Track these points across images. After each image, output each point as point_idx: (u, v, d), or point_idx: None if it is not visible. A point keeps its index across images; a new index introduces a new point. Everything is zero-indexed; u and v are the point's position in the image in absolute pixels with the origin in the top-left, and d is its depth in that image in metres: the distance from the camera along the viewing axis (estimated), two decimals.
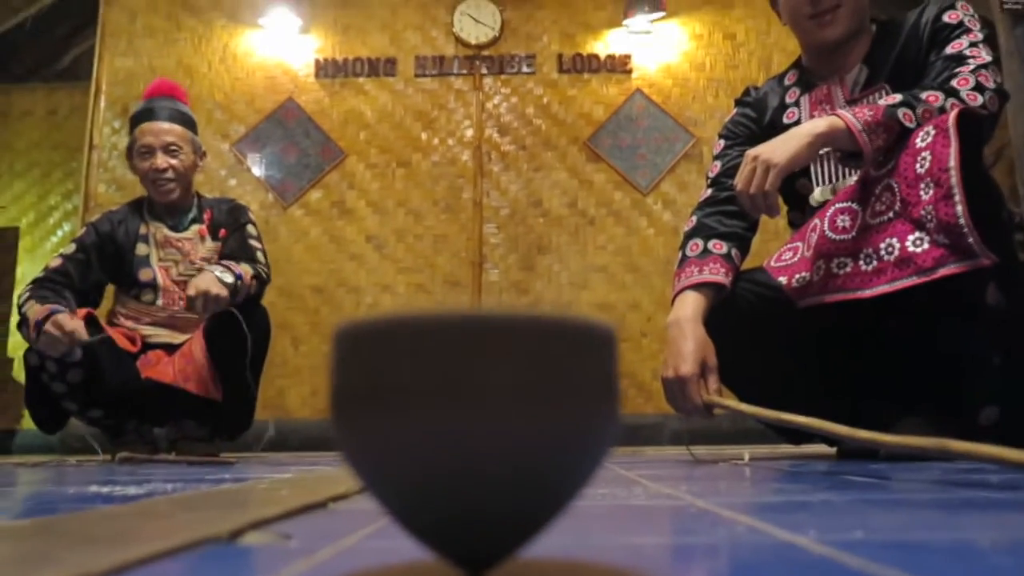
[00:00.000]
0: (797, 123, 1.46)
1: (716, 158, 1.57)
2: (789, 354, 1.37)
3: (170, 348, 2.07)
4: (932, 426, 1.13)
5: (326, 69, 3.99)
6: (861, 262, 1.21)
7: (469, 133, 3.95)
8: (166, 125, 2.13)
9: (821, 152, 1.33)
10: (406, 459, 0.27)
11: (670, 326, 1.37)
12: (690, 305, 1.37)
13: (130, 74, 3.99)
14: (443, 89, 4.00)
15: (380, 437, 0.27)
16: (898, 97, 1.23)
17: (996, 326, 1.20)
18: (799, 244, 1.35)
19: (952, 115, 1.12)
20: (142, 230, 2.15)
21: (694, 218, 1.50)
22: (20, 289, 2.04)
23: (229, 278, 1.91)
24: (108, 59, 4.01)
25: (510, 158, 3.94)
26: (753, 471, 1.11)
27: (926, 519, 0.51)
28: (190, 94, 3.67)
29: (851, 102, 1.41)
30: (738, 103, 1.61)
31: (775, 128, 1.48)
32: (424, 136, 3.95)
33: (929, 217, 1.12)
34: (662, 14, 3.94)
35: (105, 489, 0.91)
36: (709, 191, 1.52)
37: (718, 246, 1.42)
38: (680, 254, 1.47)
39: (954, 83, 1.23)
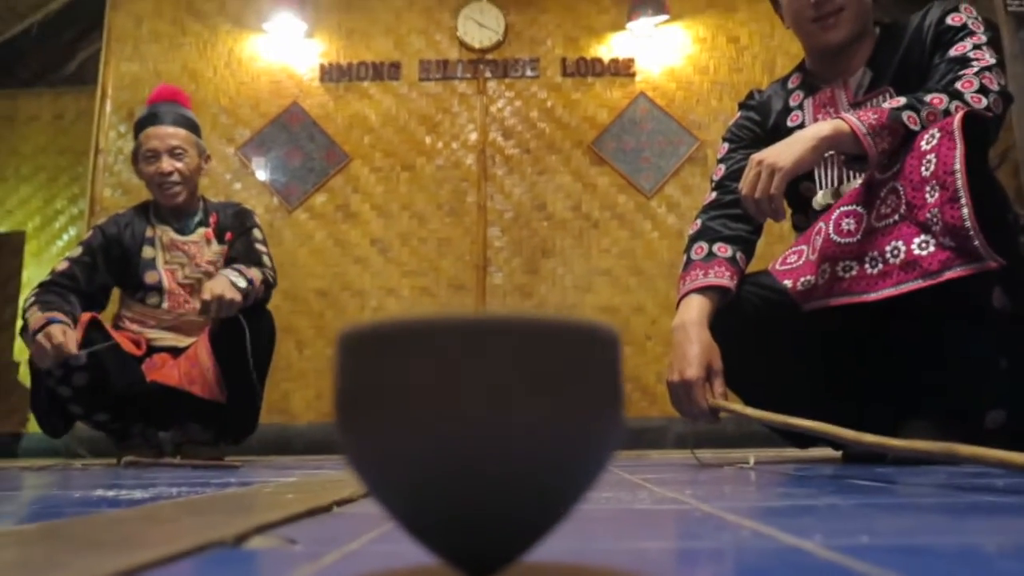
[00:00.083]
0: (801, 126, 1.46)
1: (720, 161, 1.56)
2: (794, 357, 1.37)
3: (175, 351, 2.08)
4: (938, 430, 1.13)
5: (330, 73, 4.00)
6: (866, 265, 1.21)
7: (473, 137, 3.96)
8: (170, 129, 2.14)
9: (825, 155, 1.32)
10: (410, 463, 0.27)
11: (675, 330, 1.37)
12: (695, 309, 1.37)
13: (136, 79, 4.00)
14: (447, 93, 4.01)
15: (384, 441, 0.27)
16: (902, 100, 1.22)
17: (1002, 329, 1.20)
18: (804, 247, 1.35)
19: (957, 118, 1.12)
20: (148, 233, 2.16)
21: (698, 221, 1.50)
22: (26, 293, 2.05)
23: (243, 283, 1.92)
24: (114, 64, 4.03)
25: (514, 161, 3.94)
26: (758, 475, 1.11)
27: (932, 523, 0.51)
28: (195, 98, 3.69)
29: (855, 105, 1.41)
30: (742, 106, 1.61)
31: (779, 131, 1.48)
32: (428, 140, 3.96)
33: (935, 220, 1.11)
34: (666, 17, 3.94)
35: (111, 493, 0.91)
36: (713, 194, 1.52)
37: (723, 249, 1.42)
38: (685, 257, 1.47)
39: (958, 86, 1.23)
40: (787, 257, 1.37)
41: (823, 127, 1.23)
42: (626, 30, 3.99)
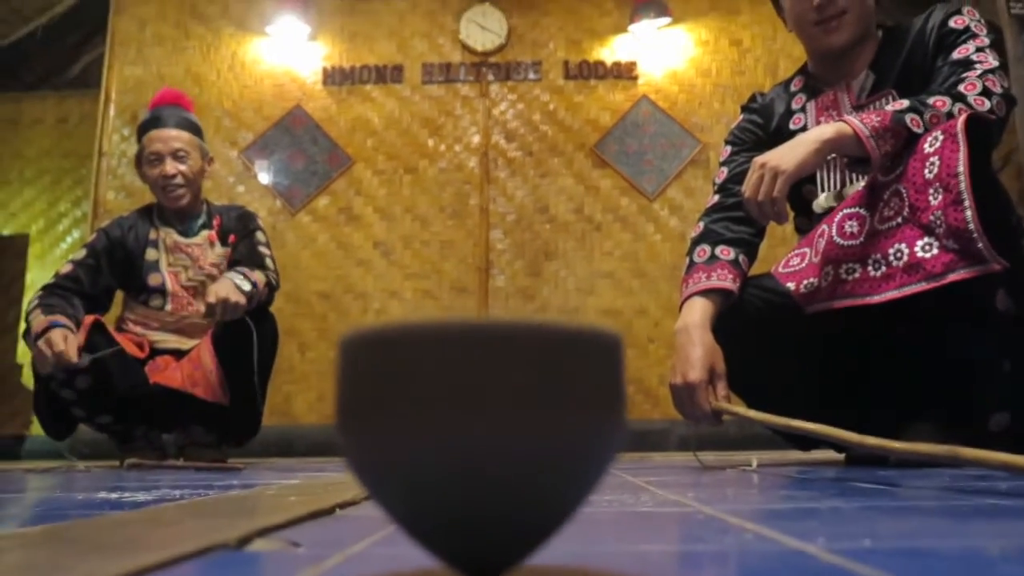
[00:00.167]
0: (803, 129, 1.45)
1: (723, 164, 1.56)
2: (797, 360, 1.37)
3: (178, 354, 2.08)
4: (942, 432, 1.13)
5: (333, 76, 4.01)
6: (870, 268, 1.21)
7: (476, 139, 3.96)
8: (174, 132, 2.15)
9: (828, 158, 1.32)
10: (411, 467, 0.27)
11: (678, 332, 1.37)
12: (698, 311, 1.37)
13: (139, 82, 4.01)
14: (450, 96, 4.01)
15: (385, 445, 0.27)
16: (905, 103, 1.22)
17: (1006, 331, 1.20)
18: (807, 250, 1.35)
19: (961, 120, 1.12)
20: (152, 235, 2.17)
21: (701, 224, 1.50)
22: (29, 296, 2.05)
23: (247, 286, 1.92)
24: (118, 67, 4.04)
25: (516, 164, 3.94)
26: (761, 478, 1.11)
27: (935, 526, 0.51)
28: (198, 102, 3.71)
29: (858, 108, 1.41)
30: (744, 109, 1.61)
31: (781, 134, 1.48)
32: (431, 143, 3.96)
33: (938, 222, 1.11)
34: (668, 20, 3.94)
35: (114, 495, 0.92)
36: (716, 197, 1.52)
37: (725, 252, 1.42)
38: (687, 260, 1.46)
39: (961, 88, 1.23)
40: (790, 260, 1.37)
41: (826, 130, 1.23)
42: (628, 33, 4.00)
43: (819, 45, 1.44)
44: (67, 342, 1.81)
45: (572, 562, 0.36)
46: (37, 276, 4.40)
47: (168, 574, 0.36)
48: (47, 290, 2.02)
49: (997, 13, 3.05)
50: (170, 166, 2.12)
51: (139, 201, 3.03)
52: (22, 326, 2.07)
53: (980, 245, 1.07)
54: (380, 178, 3.93)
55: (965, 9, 1.37)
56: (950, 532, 0.48)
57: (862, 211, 1.25)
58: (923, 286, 1.13)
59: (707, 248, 1.44)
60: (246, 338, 1.95)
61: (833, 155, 1.31)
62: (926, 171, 1.14)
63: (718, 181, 1.55)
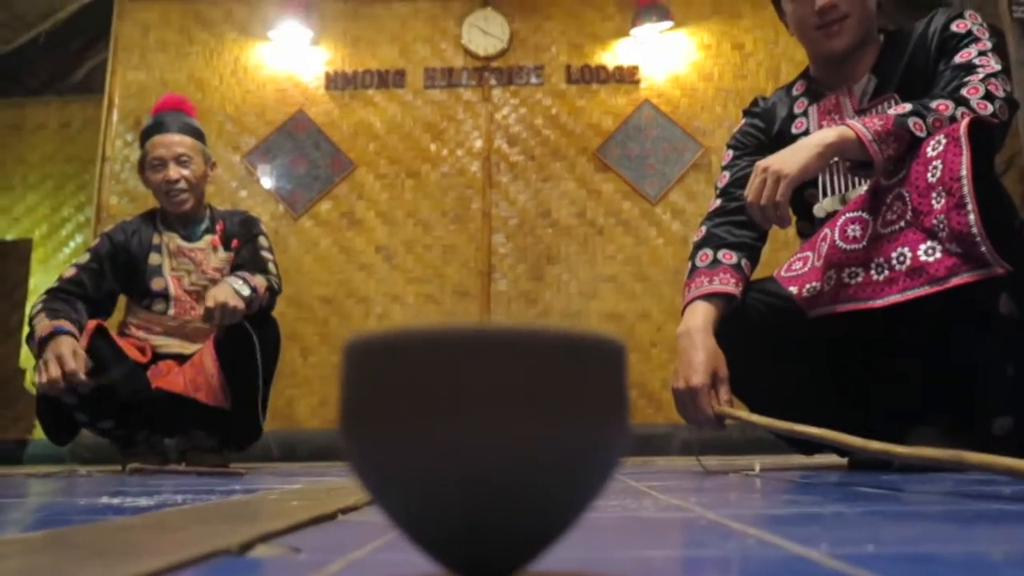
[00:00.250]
0: (805, 133, 1.45)
1: (725, 168, 1.56)
2: (800, 364, 1.37)
3: (181, 358, 2.08)
4: (945, 437, 1.12)
5: (336, 81, 4.02)
6: (872, 271, 1.21)
7: (478, 144, 3.97)
8: (176, 137, 2.15)
9: (831, 162, 1.32)
10: (414, 472, 0.27)
11: (680, 337, 1.37)
12: (700, 315, 1.36)
13: (142, 87, 4.02)
14: (452, 100, 4.02)
15: (388, 450, 0.27)
16: (908, 106, 1.22)
17: (1009, 335, 1.19)
18: (809, 254, 1.34)
19: (963, 124, 1.12)
20: (155, 240, 2.17)
21: (703, 228, 1.50)
22: (32, 300, 2.05)
23: (246, 291, 1.92)
24: (121, 72, 4.05)
25: (519, 168, 3.94)
26: (764, 482, 1.11)
27: (938, 531, 0.51)
28: (201, 107, 3.71)
29: (860, 112, 1.41)
30: (746, 113, 1.61)
31: (783, 138, 1.48)
32: (433, 147, 3.97)
33: (941, 226, 1.11)
34: (670, 24, 3.94)
35: (116, 500, 0.92)
36: (718, 201, 1.52)
37: (728, 256, 1.42)
38: (690, 264, 1.46)
39: (964, 92, 1.23)
40: (792, 264, 1.37)
41: (828, 133, 1.23)
42: (630, 37, 4.00)
43: (821, 49, 1.44)
44: (76, 358, 1.80)
45: (575, 567, 0.36)
46: (40, 281, 4.41)
47: None
48: (51, 294, 2.02)
49: (999, 17, 3.05)
50: (173, 171, 2.12)
51: (142, 206, 3.04)
52: (25, 330, 2.07)
53: (983, 249, 1.07)
54: (382, 182, 3.94)
55: (967, 13, 1.37)
56: (954, 537, 0.47)
57: (865, 215, 1.25)
58: (926, 290, 1.13)
59: (709, 252, 1.44)
60: (247, 343, 1.95)
61: (836, 159, 1.30)
62: (929, 175, 1.13)
63: (720, 185, 1.54)
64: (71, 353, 1.80)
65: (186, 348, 2.11)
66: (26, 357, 4.30)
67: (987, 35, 1.33)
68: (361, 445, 0.28)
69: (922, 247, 1.14)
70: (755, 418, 1.24)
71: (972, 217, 1.07)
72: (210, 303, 1.86)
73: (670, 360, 3.44)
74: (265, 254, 2.17)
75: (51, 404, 1.94)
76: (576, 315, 3.76)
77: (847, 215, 1.28)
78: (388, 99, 4.02)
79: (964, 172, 1.08)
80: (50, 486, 1.37)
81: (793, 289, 1.32)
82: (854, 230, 1.25)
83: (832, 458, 1.69)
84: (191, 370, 2.00)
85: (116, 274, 2.13)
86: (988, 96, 1.22)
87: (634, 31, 3.96)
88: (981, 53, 1.29)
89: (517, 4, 4.08)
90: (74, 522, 0.66)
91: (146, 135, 2.19)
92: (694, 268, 1.44)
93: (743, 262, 1.43)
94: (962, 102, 1.21)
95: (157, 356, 2.09)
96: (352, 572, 0.37)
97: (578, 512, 0.29)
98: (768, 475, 1.29)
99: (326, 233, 3.88)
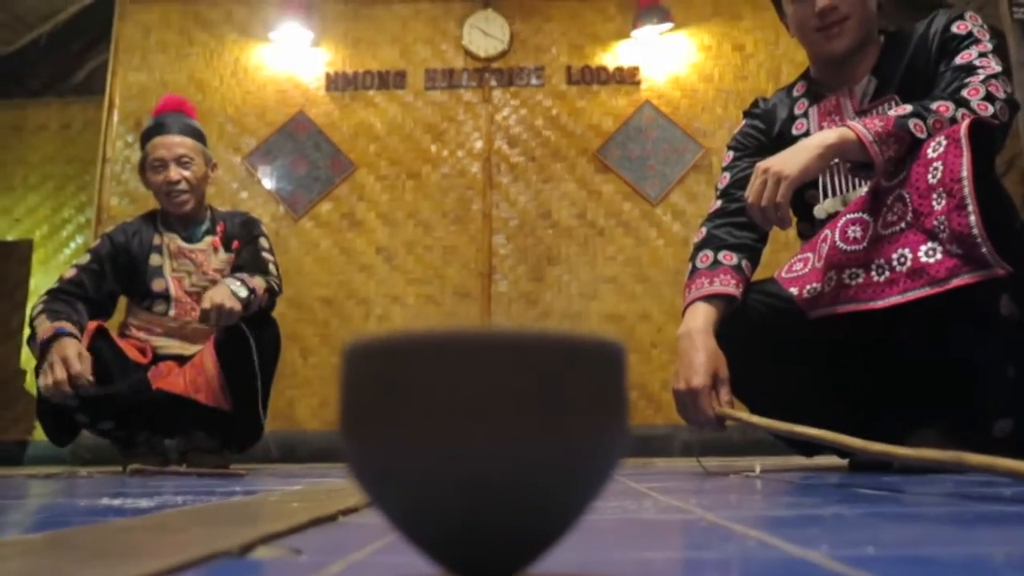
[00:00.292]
0: (806, 134, 1.45)
1: (725, 169, 1.56)
2: (800, 366, 1.37)
3: (181, 359, 2.08)
4: (946, 438, 1.12)
5: (336, 82, 4.02)
6: (873, 273, 1.21)
7: (478, 145, 3.97)
8: (177, 138, 2.16)
9: (831, 163, 1.32)
10: (414, 474, 0.27)
11: (681, 338, 1.37)
12: (701, 317, 1.36)
13: (143, 88, 4.03)
14: (452, 101, 4.02)
15: (388, 452, 0.27)
16: (908, 108, 1.22)
17: (1010, 336, 1.19)
18: (810, 255, 1.34)
19: (964, 125, 1.12)
20: (156, 241, 2.17)
21: (704, 229, 1.50)
22: (33, 301, 2.05)
23: (244, 292, 1.92)
24: (121, 74, 4.05)
25: (519, 169, 3.95)
26: (764, 484, 1.11)
27: (939, 533, 0.51)
28: (202, 108, 3.71)
29: (860, 113, 1.41)
30: (747, 115, 1.61)
31: (784, 139, 1.48)
32: (434, 148, 3.97)
33: (942, 227, 1.11)
34: (670, 25, 3.94)
35: (116, 502, 0.92)
36: (719, 203, 1.52)
37: (728, 257, 1.42)
38: (690, 266, 1.46)
39: (964, 93, 1.23)
40: (793, 265, 1.37)
41: (829, 135, 1.23)
42: (631, 38, 4.00)
43: (821, 51, 1.44)
44: (81, 360, 1.80)
45: (575, 569, 0.36)
46: (41, 282, 4.41)
47: None
48: (51, 295, 2.02)
49: (1000, 18, 3.05)
50: (174, 172, 2.12)
51: (143, 207, 3.04)
52: (26, 332, 2.07)
53: (984, 250, 1.07)
54: (383, 183, 3.94)
55: (967, 14, 1.37)
56: (954, 539, 0.47)
57: (865, 216, 1.25)
58: (927, 291, 1.13)
59: (710, 253, 1.44)
60: (244, 345, 1.95)
61: (836, 160, 1.30)
62: (929, 176, 1.13)
63: (721, 186, 1.55)
64: (76, 355, 1.80)
65: (187, 349, 2.11)
66: (27, 358, 4.30)
67: (987, 36, 1.33)
68: (361, 447, 0.28)
69: (923, 248, 1.14)
70: (755, 419, 1.24)
71: (973, 218, 1.07)
72: (206, 304, 1.86)
73: (670, 361, 3.44)
74: (266, 255, 2.17)
75: (52, 405, 1.94)
76: (576, 316, 3.76)
77: (847, 216, 1.28)
78: (389, 100, 4.02)
79: (965, 173, 1.08)
80: (50, 487, 1.37)
81: (794, 290, 1.32)
82: (855, 231, 1.25)
83: (832, 459, 1.69)
84: (191, 371, 2.00)
85: (117, 275, 2.13)
86: (989, 97, 1.22)
87: (635, 32, 3.96)
88: (982, 54, 1.29)
89: (518, 5, 4.08)
90: (74, 523, 0.66)
91: (147, 136, 2.19)
92: (694, 269, 1.44)
93: (744, 263, 1.43)
94: (963, 103, 1.21)
95: (157, 357, 2.09)
96: (352, 574, 0.37)
97: (578, 513, 0.29)
98: (768, 476, 1.29)
99: (326, 234, 3.88)
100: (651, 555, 0.45)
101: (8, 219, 4.66)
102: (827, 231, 1.31)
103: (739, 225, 1.46)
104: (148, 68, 4.06)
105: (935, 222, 1.12)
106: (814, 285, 1.29)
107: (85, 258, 2.13)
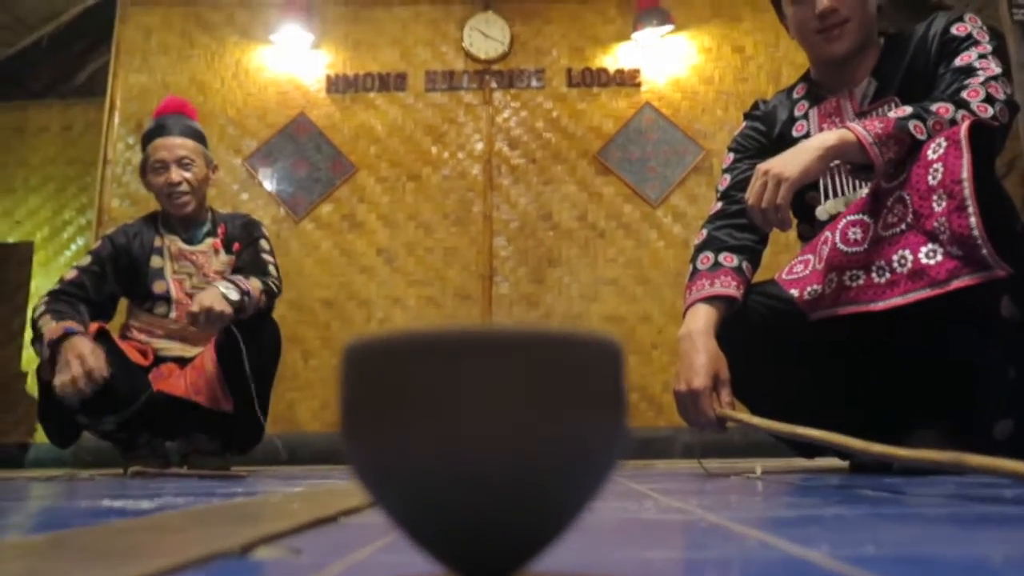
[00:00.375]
0: (806, 136, 1.46)
1: (726, 171, 1.56)
2: (801, 367, 1.37)
3: (182, 361, 2.08)
4: (946, 440, 1.12)
5: (337, 84, 4.03)
6: (874, 274, 1.21)
7: (479, 147, 3.97)
8: (178, 140, 2.16)
9: (831, 165, 1.32)
10: (414, 473, 0.27)
11: (682, 339, 1.37)
12: (702, 318, 1.37)
13: (144, 90, 4.03)
14: (453, 103, 4.02)
15: (389, 451, 0.27)
16: (908, 109, 1.22)
17: (1011, 338, 1.19)
18: (810, 257, 1.35)
19: (964, 126, 1.12)
20: (157, 243, 2.17)
21: (704, 231, 1.50)
22: (34, 303, 2.05)
23: (234, 295, 1.91)
24: (123, 76, 4.06)
25: (520, 171, 3.95)
26: (765, 485, 1.11)
27: (939, 534, 0.51)
28: (203, 110, 3.71)
29: (860, 115, 1.41)
30: (747, 116, 1.61)
31: (784, 141, 1.48)
32: (434, 150, 3.97)
33: (942, 229, 1.11)
34: (671, 28, 3.95)
35: (118, 503, 0.92)
36: (719, 204, 1.52)
37: (729, 259, 1.42)
38: (691, 267, 1.46)
39: (964, 95, 1.23)
40: (793, 267, 1.37)
41: (829, 136, 1.23)
42: (631, 40, 4.00)
43: (821, 53, 1.44)
44: (96, 357, 1.81)
45: (576, 569, 0.36)
46: (41, 284, 4.41)
47: None
48: (53, 296, 2.02)
49: (1000, 20, 3.06)
50: (175, 174, 2.13)
51: (144, 209, 3.04)
52: (26, 334, 2.07)
53: (984, 251, 1.07)
54: (383, 185, 3.94)
55: (967, 16, 1.37)
56: (955, 540, 0.47)
57: (866, 218, 1.25)
58: (927, 293, 1.13)
59: (710, 255, 1.44)
60: (236, 348, 1.95)
61: (836, 162, 1.31)
62: (930, 178, 1.13)
63: (721, 188, 1.55)
64: (90, 352, 1.81)
65: (188, 351, 2.11)
66: (27, 361, 4.30)
67: (987, 38, 1.33)
68: (361, 446, 0.28)
69: (923, 250, 1.14)
70: (756, 421, 1.24)
71: (973, 220, 1.07)
72: (194, 308, 1.86)
73: (671, 363, 3.44)
74: (266, 256, 2.17)
75: (53, 407, 1.94)
76: (577, 318, 3.76)
77: (848, 218, 1.28)
78: (389, 102, 4.02)
79: (965, 175, 1.08)
80: (51, 489, 1.37)
81: (794, 292, 1.32)
82: (855, 233, 1.25)
83: (833, 461, 1.69)
84: (192, 373, 2.00)
85: (117, 277, 2.13)
86: (988, 99, 1.22)
87: (635, 34, 3.96)
88: (981, 56, 1.29)
89: (518, 7, 4.09)
90: (76, 525, 0.66)
91: (148, 138, 2.19)
92: (695, 271, 1.44)
93: (744, 265, 1.43)
94: (962, 105, 1.21)
95: (159, 359, 2.09)
96: (353, 574, 0.38)
97: (577, 511, 0.29)
98: (769, 478, 1.28)
99: (327, 236, 3.89)
100: (651, 555, 0.45)
101: (9, 221, 4.66)
102: (827, 233, 1.31)
103: (740, 227, 1.46)
104: (149, 70, 4.07)
105: (935, 224, 1.12)
106: (815, 287, 1.29)
107: (86, 260, 2.13)
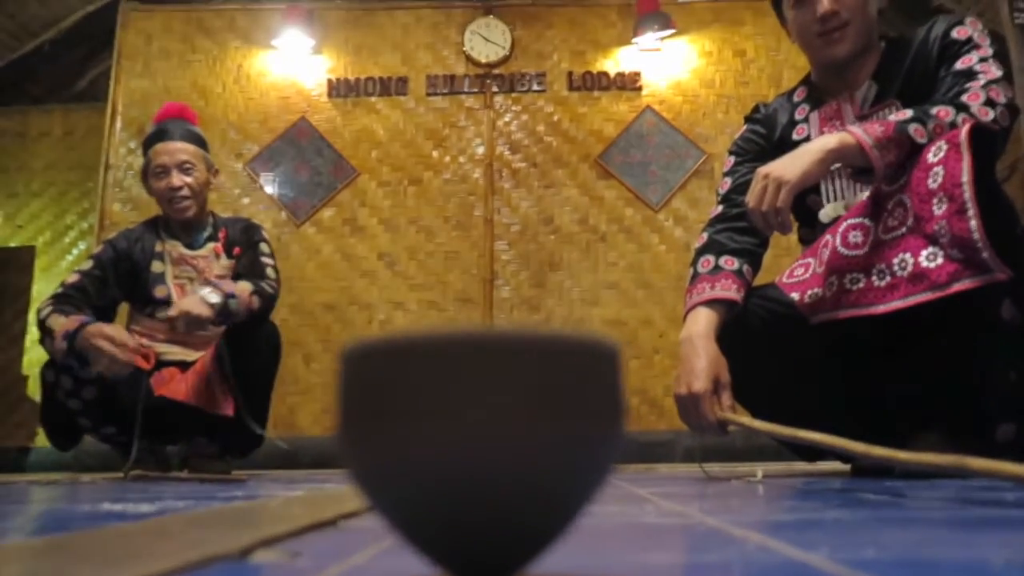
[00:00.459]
0: (807, 139, 1.46)
1: (726, 175, 1.57)
2: (802, 370, 1.36)
3: (184, 365, 2.08)
4: (948, 443, 1.12)
5: (338, 88, 4.03)
6: (874, 277, 1.21)
7: (480, 151, 3.98)
8: (179, 144, 2.16)
9: (832, 168, 1.32)
10: (412, 476, 0.27)
11: (682, 343, 1.37)
12: (702, 321, 1.36)
13: (145, 95, 4.04)
14: (454, 107, 4.03)
15: (386, 454, 0.27)
16: (908, 113, 1.22)
17: (1012, 341, 1.19)
18: (811, 260, 1.34)
19: (964, 130, 1.12)
20: (158, 248, 2.18)
21: (705, 235, 1.50)
22: (35, 307, 2.05)
23: (215, 298, 1.91)
24: (124, 81, 4.07)
25: (521, 175, 3.95)
26: (766, 489, 1.11)
27: (941, 537, 0.51)
28: (204, 114, 3.72)
29: (861, 118, 1.41)
30: (748, 120, 1.61)
31: (785, 144, 1.48)
32: (435, 154, 3.98)
33: (943, 232, 1.11)
34: (672, 31, 3.95)
35: (118, 507, 0.92)
36: (720, 208, 1.52)
37: (729, 262, 1.42)
38: (692, 271, 1.46)
39: (964, 98, 1.23)
40: (794, 270, 1.37)
41: (829, 140, 1.23)
42: (632, 44, 4.01)
43: (822, 56, 1.44)
44: (119, 331, 1.84)
45: (575, 572, 0.36)
46: (43, 288, 4.41)
47: None
48: (57, 299, 2.02)
49: (1000, 23, 3.06)
50: (176, 178, 2.13)
51: (145, 213, 3.04)
52: (27, 337, 2.07)
53: (985, 255, 1.07)
54: (385, 189, 3.94)
55: (967, 19, 1.37)
56: (956, 543, 0.47)
57: (866, 221, 1.25)
58: (928, 296, 1.13)
59: (711, 258, 1.44)
60: (248, 350, 1.95)
61: (837, 165, 1.31)
62: (930, 181, 1.13)
63: (722, 191, 1.55)
64: (114, 330, 1.83)
65: (189, 355, 2.11)
66: (28, 364, 4.30)
67: (988, 41, 1.33)
68: (358, 448, 0.28)
69: (924, 253, 1.14)
70: (757, 424, 1.24)
71: (974, 223, 1.07)
72: (173, 312, 1.87)
73: (672, 366, 3.43)
74: (265, 259, 2.17)
75: (54, 410, 1.94)
76: (579, 322, 3.76)
77: (849, 221, 1.28)
78: (390, 106, 4.03)
79: (965, 178, 1.08)
80: (52, 493, 1.37)
81: (795, 295, 1.32)
82: (855, 236, 1.25)
83: (835, 464, 1.69)
84: (193, 377, 2.00)
85: (119, 281, 2.13)
86: (989, 102, 1.22)
87: (636, 38, 3.97)
88: (982, 59, 1.29)
89: (519, 12, 4.09)
90: (76, 528, 0.66)
91: (149, 143, 2.19)
92: (696, 274, 1.44)
93: (745, 268, 1.43)
94: (963, 108, 1.21)
95: (160, 363, 2.09)
96: None
97: (576, 512, 0.29)
98: (770, 481, 1.28)
99: (328, 240, 3.89)
100: (652, 558, 0.45)
101: (11, 226, 4.67)
102: (828, 236, 1.31)
103: (740, 230, 1.46)
104: (151, 75, 4.08)
105: (936, 227, 1.12)
106: (815, 290, 1.29)
107: (87, 264, 2.13)
